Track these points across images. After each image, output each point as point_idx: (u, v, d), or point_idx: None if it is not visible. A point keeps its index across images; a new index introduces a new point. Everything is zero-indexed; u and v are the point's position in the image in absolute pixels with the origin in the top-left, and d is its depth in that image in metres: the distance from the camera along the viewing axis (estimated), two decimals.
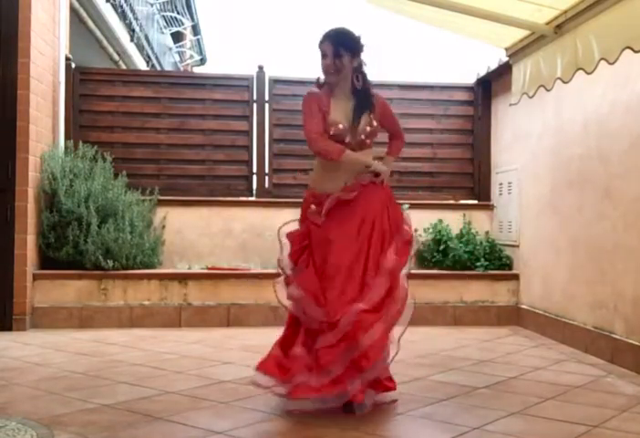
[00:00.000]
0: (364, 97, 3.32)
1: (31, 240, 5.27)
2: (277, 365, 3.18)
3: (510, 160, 6.05)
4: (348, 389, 3.02)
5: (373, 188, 3.29)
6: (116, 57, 8.80)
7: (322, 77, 3.34)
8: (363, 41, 3.29)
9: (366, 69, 3.34)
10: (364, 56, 3.31)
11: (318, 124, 3.23)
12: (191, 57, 17.14)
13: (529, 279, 5.61)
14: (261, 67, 6.28)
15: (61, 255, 5.40)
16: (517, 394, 3.50)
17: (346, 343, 3.01)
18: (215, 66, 18.53)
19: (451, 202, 6.48)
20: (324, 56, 3.25)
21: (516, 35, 4.42)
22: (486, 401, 3.35)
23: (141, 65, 10.20)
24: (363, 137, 3.27)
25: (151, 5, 11.55)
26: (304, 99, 3.33)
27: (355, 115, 3.28)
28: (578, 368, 4.13)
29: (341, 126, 3.23)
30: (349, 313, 3.03)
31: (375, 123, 3.31)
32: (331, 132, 3.22)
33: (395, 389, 3.28)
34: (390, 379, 3.28)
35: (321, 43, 3.27)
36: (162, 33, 13.08)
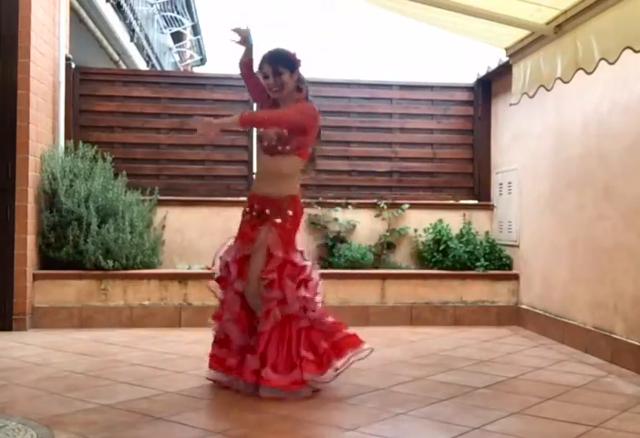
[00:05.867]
0: None
1: (31, 240, 5.27)
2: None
3: (510, 160, 6.05)
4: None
5: None
6: (116, 57, 8.79)
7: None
8: (298, 57, 3.60)
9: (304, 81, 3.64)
10: (301, 70, 3.62)
11: None
12: (191, 57, 17.13)
13: (529, 279, 5.61)
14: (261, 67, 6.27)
15: (61, 255, 5.40)
16: (517, 394, 3.51)
17: None
18: (215, 66, 18.55)
19: (451, 202, 6.48)
20: (265, 76, 3.59)
21: (516, 35, 4.42)
22: (486, 401, 3.35)
23: (141, 65, 10.18)
24: (273, 143, 3.52)
25: (151, 5, 11.54)
26: None
27: None
28: (578, 368, 4.13)
29: (262, 129, 3.62)
30: None
31: (285, 131, 3.50)
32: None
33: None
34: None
35: (261, 66, 3.61)
36: (162, 33, 13.06)
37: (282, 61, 3.57)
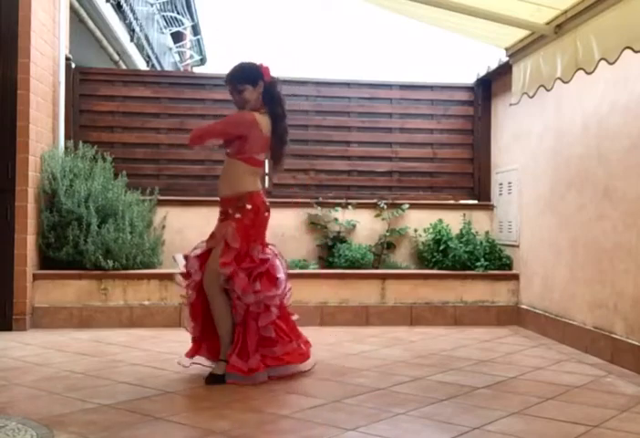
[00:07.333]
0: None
1: (31, 240, 5.27)
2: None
3: (510, 160, 6.05)
4: None
5: None
6: (116, 57, 8.80)
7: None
8: (265, 66, 3.78)
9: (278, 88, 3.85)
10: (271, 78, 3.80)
11: None
12: (191, 57, 17.13)
13: (529, 279, 5.61)
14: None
15: (61, 255, 5.40)
16: (517, 394, 3.51)
17: None
18: (215, 66, 18.54)
19: (451, 202, 6.49)
20: (231, 94, 3.82)
21: (516, 35, 4.42)
22: (486, 401, 3.35)
23: (141, 65, 10.19)
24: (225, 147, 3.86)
25: (151, 5, 11.54)
26: None
27: None
28: (578, 368, 4.13)
29: None
30: None
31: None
32: None
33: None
34: None
35: (225, 84, 3.84)
36: (162, 33, 13.07)
37: (240, 78, 3.76)
